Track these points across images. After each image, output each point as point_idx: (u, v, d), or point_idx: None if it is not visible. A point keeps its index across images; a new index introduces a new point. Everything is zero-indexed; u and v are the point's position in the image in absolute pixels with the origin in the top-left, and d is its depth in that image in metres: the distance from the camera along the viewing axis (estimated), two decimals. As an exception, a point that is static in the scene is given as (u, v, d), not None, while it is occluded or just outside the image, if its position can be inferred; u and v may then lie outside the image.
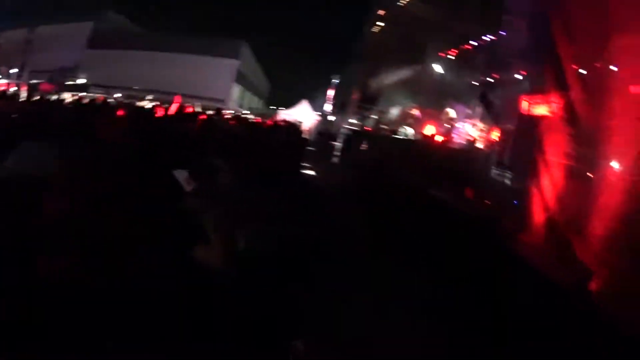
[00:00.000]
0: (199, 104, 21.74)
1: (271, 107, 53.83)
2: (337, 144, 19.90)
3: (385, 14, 22.15)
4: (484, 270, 6.90)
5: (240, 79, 50.72)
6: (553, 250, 6.75)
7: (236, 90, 50.24)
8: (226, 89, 46.86)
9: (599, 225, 6.06)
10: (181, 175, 3.19)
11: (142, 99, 22.88)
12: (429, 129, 20.92)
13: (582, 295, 5.07)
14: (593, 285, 5.23)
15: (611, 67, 6.94)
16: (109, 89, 36.24)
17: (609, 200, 6.14)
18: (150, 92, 31.29)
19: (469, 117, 18.98)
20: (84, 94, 27.60)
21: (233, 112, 26.52)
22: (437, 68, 23.82)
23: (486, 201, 10.18)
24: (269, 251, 3.39)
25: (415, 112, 21.06)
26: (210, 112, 13.20)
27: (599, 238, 5.93)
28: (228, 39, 47.83)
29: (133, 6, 51.89)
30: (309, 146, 14.68)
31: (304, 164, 11.46)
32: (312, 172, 12.83)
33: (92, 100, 15.05)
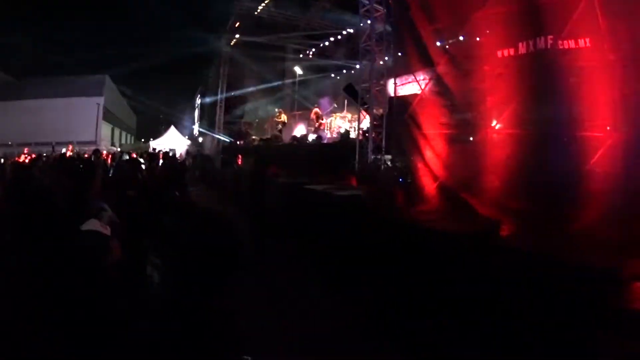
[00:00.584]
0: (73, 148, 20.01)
1: (142, 139, 50.73)
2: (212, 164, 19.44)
3: (240, 24, 22.05)
4: (386, 247, 6.98)
5: (108, 116, 47.13)
6: (452, 213, 7.11)
7: (105, 129, 46.56)
8: (95, 128, 43.24)
9: (492, 180, 6.56)
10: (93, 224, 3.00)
11: (20, 154, 20.10)
12: (300, 130, 21.24)
13: (491, 242, 5.36)
14: (503, 232, 5.59)
15: (476, 37, 7.61)
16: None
17: (495, 156, 6.70)
18: (25, 144, 28.08)
19: (336, 111, 19.66)
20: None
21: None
22: (298, 70, 24.39)
23: (371, 186, 10.42)
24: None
25: (283, 116, 21.26)
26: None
27: (495, 191, 6.41)
28: (90, 76, 44.26)
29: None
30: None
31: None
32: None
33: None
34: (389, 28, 11.16)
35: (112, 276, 2.80)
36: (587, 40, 5.54)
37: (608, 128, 5.33)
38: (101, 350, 2.31)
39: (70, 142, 28.99)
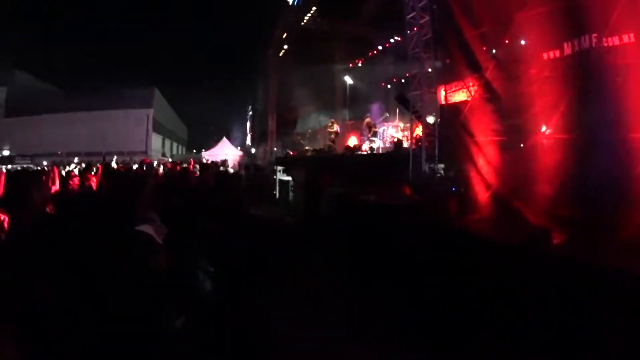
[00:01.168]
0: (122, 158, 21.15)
1: (193, 150, 52.90)
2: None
3: (287, 35, 22.68)
4: (438, 257, 7.03)
5: (158, 127, 49.56)
6: (503, 220, 7.07)
7: (155, 140, 48.96)
8: (145, 139, 45.66)
9: (542, 187, 6.48)
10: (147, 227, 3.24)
11: (69, 163, 21.74)
12: (352, 141, 21.44)
13: (542, 251, 5.32)
14: (554, 240, 5.54)
15: (521, 40, 7.57)
16: (34, 157, 35.47)
17: (546, 162, 6.62)
18: (74, 154, 30.20)
19: (388, 120, 19.73)
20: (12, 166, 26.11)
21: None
22: (348, 79, 24.68)
23: (424, 194, 10.43)
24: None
25: (336, 126, 21.57)
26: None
27: (545, 198, 6.33)
28: (140, 88, 46.64)
29: (40, 63, 49.18)
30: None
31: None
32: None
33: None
34: (434, 35, 11.17)
35: (157, 282, 2.98)
36: (632, 35, 5.42)
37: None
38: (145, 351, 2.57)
39: (121, 153, 30.65)
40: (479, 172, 8.54)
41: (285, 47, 23.32)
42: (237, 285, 4.22)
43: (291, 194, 15.53)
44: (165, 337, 2.81)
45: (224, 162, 22.02)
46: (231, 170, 18.12)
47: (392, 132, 18.75)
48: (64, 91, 46.83)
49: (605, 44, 5.70)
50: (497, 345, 4.78)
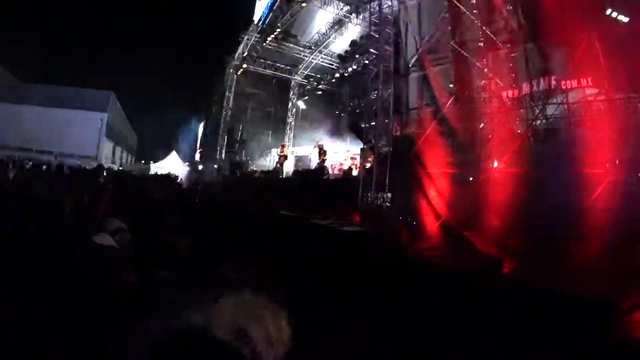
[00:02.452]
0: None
1: (142, 160, 50.99)
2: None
3: (248, 55, 22.68)
4: (388, 282, 7.05)
5: (111, 133, 47.36)
6: (454, 250, 7.21)
7: (107, 146, 46.70)
8: (97, 144, 43.42)
9: (493, 219, 6.70)
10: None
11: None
12: (301, 165, 21.46)
13: (492, 279, 5.45)
14: (504, 269, 5.69)
15: (481, 79, 7.93)
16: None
17: (496, 194, 6.87)
18: (24, 150, 28.22)
19: (339, 147, 19.91)
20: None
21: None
22: (301, 104, 24.86)
23: (374, 222, 10.51)
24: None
25: (286, 150, 21.55)
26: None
27: (496, 229, 6.54)
28: (96, 91, 44.71)
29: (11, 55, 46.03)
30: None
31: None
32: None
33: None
34: (395, 67, 11.46)
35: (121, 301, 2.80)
36: (589, 79, 5.79)
37: (607, 165, 5.51)
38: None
39: (71, 155, 29.16)
40: (429, 203, 8.73)
41: (244, 65, 23.25)
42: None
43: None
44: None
45: (178, 178, 21.46)
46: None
47: (341, 159, 18.93)
48: (20, 82, 44.29)
49: (564, 86, 6.05)
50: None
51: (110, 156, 47.53)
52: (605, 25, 5.90)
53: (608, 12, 5.97)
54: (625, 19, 5.90)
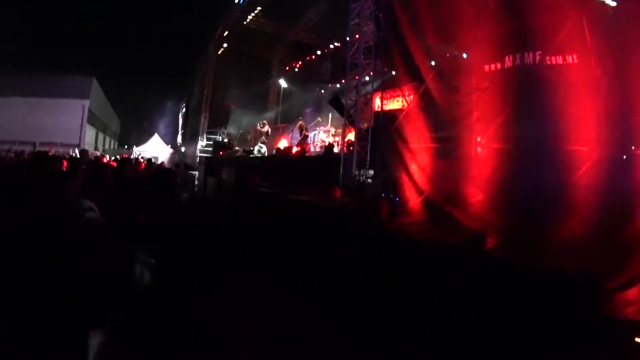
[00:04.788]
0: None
1: (125, 145, 49.81)
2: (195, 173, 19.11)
3: (228, 34, 22.07)
4: (369, 257, 6.94)
5: (93, 119, 45.87)
6: (436, 225, 7.10)
7: (90, 132, 45.31)
8: (79, 131, 42.06)
9: (476, 193, 6.59)
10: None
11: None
12: (282, 143, 21.19)
13: (476, 253, 5.35)
14: (487, 244, 5.59)
15: (463, 53, 7.72)
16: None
17: (480, 170, 6.74)
18: (7, 142, 27.18)
19: (319, 124, 19.67)
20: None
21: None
22: (283, 82, 24.46)
23: (355, 198, 10.38)
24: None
25: (267, 127, 21.23)
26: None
27: (479, 204, 6.43)
28: (77, 77, 43.07)
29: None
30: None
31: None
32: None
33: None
34: (376, 43, 11.19)
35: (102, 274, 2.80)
36: (575, 56, 5.66)
37: (593, 143, 5.41)
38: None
39: (53, 143, 28.30)
40: (411, 178, 8.58)
41: (225, 45, 22.65)
42: (178, 277, 3.97)
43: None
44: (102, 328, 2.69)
45: (154, 160, 21.05)
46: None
47: (323, 136, 18.69)
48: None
49: (549, 62, 5.91)
50: (428, 345, 4.70)
51: (93, 142, 46.30)
52: (593, 5, 5.74)
53: None
54: (613, 3, 5.74)
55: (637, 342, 3.51)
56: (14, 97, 38.08)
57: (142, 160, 17.20)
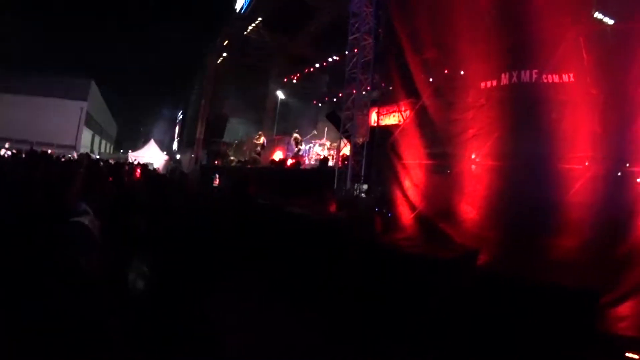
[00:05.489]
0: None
1: (121, 150, 49.50)
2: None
3: (228, 43, 22.11)
4: (359, 272, 6.85)
5: (90, 121, 45.44)
6: (429, 241, 7.02)
7: (86, 135, 44.84)
8: (75, 133, 41.62)
9: (469, 210, 6.52)
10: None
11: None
12: (278, 155, 21.14)
13: (467, 269, 5.28)
14: (480, 260, 5.51)
15: (460, 70, 7.70)
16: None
17: (474, 187, 6.68)
18: (4, 140, 26.91)
19: (315, 137, 19.60)
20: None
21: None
22: (280, 94, 24.47)
23: (349, 212, 10.30)
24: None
25: (263, 139, 21.15)
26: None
27: (472, 221, 6.36)
28: (76, 79, 42.68)
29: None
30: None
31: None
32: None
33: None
34: (375, 58, 11.21)
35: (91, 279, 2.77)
36: (571, 75, 5.64)
37: (587, 163, 5.38)
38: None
39: (50, 145, 28.07)
40: (404, 194, 8.52)
41: (225, 54, 22.66)
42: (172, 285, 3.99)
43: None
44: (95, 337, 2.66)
45: (150, 166, 20.93)
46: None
47: (318, 149, 18.62)
48: None
49: (545, 80, 5.89)
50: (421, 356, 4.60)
51: (89, 145, 45.91)
52: (590, 24, 5.74)
53: (595, 14, 5.79)
54: (610, 22, 5.74)
55: (628, 357, 3.47)
56: (9, 94, 37.76)
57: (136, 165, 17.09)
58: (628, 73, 5.16)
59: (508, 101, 6.46)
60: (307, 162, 18.23)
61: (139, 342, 3.15)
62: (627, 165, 5.13)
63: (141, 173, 11.66)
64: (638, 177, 5.02)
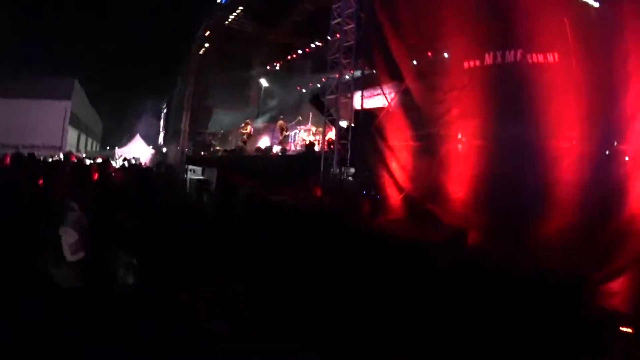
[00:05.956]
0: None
1: (107, 147, 48.39)
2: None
3: (210, 33, 21.70)
4: (350, 254, 6.78)
5: (75, 121, 44.32)
6: (417, 223, 6.99)
7: (72, 134, 43.76)
8: (61, 133, 40.57)
9: (457, 191, 6.49)
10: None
11: None
12: (264, 142, 20.95)
13: (458, 250, 5.25)
14: (470, 240, 5.49)
15: (444, 53, 7.62)
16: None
17: (461, 168, 6.65)
18: None
19: (300, 123, 19.44)
20: None
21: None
22: (264, 82, 24.20)
23: (335, 196, 10.24)
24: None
25: (249, 127, 20.91)
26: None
27: (461, 201, 6.33)
28: (58, 78, 41.52)
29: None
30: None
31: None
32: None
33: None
34: (357, 42, 11.08)
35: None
36: (556, 55, 5.61)
37: (573, 142, 5.37)
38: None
39: (37, 146, 27.37)
40: (391, 176, 8.47)
41: (207, 45, 22.26)
42: (160, 277, 4.00)
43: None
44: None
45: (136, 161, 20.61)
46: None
47: (303, 135, 18.48)
48: None
49: (530, 60, 5.85)
50: (409, 342, 4.58)
51: (75, 144, 44.90)
52: (576, 6, 5.69)
53: None
54: (595, 4, 5.70)
55: (622, 331, 3.49)
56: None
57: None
58: (613, 53, 5.15)
59: (492, 81, 6.42)
60: (292, 148, 18.09)
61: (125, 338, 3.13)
62: (615, 144, 5.13)
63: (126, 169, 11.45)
64: (626, 156, 5.02)
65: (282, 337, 4.82)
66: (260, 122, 24.04)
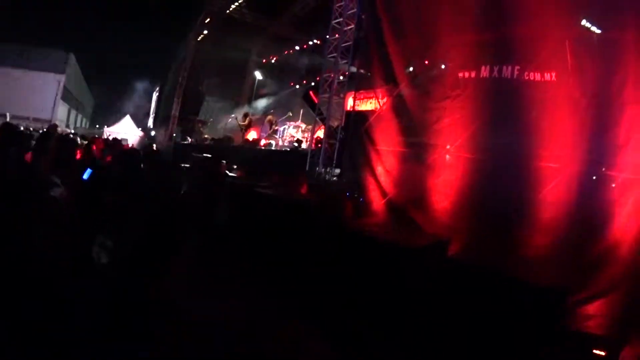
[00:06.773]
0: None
1: (96, 125, 47.42)
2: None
3: (210, 21, 21.36)
4: (330, 253, 6.66)
5: (67, 95, 42.96)
6: (398, 228, 6.88)
7: (62, 109, 42.48)
8: (52, 107, 39.37)
9: (441, 200, 6.39)
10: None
11: None
12: (252, 135, 20.67)
13: (436, 257, 5.17)
14: (450, 249, 5.40)
15: (441, 63, 7.52)
16: None
17: (447, 178, 6.55)
18: None
19: (290, 119, 19.23)
20: None
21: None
22: (258, 74, 23.94)
23: (320, 195, 10.08)
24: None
25: (248, 119, 20.62)
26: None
27: (444, 211, 6.23)
28: (54, 51, 40.30)
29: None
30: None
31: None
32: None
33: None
34: (355, 43, 10.95)
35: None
36: (554, 74, 5.54)
37: (563, 163, 5.31)
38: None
39: (26, 118, 26.66)
40: (376, 180, 8.35)
41: (205, 32, 21.91)
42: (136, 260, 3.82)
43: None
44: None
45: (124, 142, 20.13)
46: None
47: (292, 131, 18.27)
48: None
49: (527, 77, 5.79)
50: (387, 344, 4.46)
51: (65, 119, 43.76)
52: (578, 30, 5.63)
53: (582, 22, 5.67)
54: (597, 31, 5.64)
55: (595, 355, 3.43)
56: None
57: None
58: (611, 80, 5.10)
59: (486, 93, 6.33)
60: (280, 143, 17.87)
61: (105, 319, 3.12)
62: (604, 169, 5.08)
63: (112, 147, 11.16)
64: (613, 182, 4.96)
65: (254, 322, 4.71)
66: (250, 115, 23.77)
